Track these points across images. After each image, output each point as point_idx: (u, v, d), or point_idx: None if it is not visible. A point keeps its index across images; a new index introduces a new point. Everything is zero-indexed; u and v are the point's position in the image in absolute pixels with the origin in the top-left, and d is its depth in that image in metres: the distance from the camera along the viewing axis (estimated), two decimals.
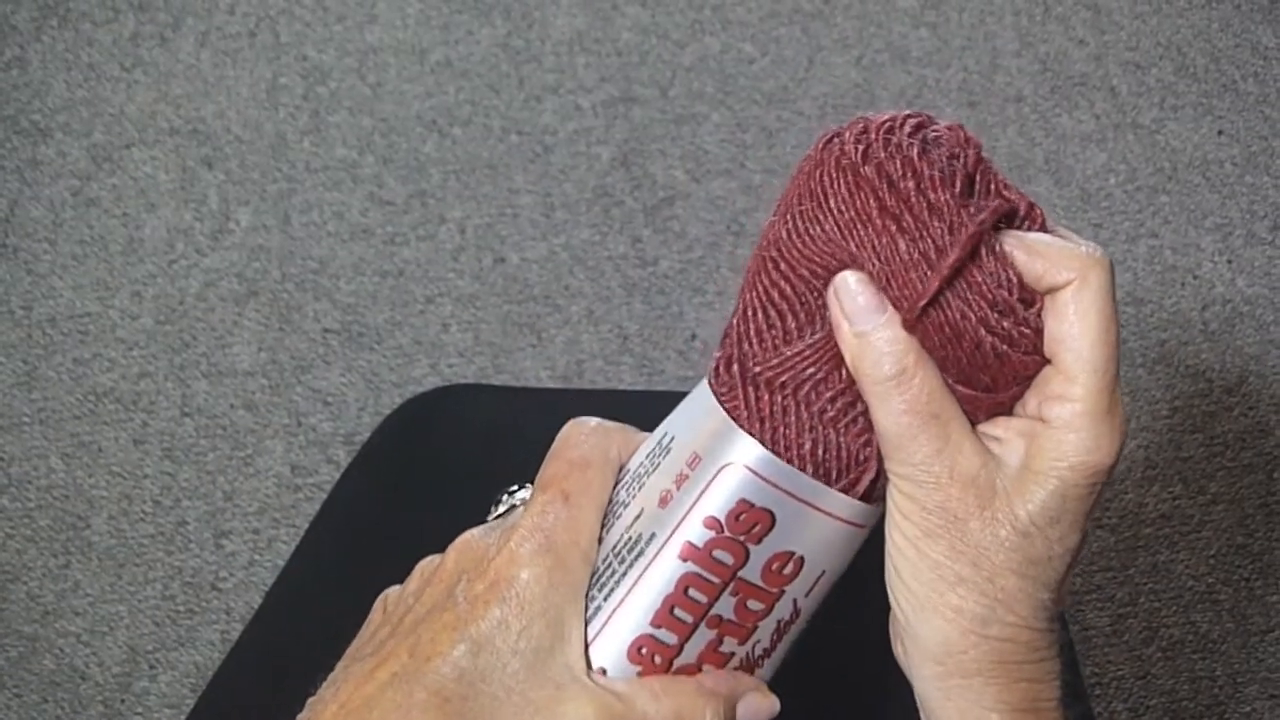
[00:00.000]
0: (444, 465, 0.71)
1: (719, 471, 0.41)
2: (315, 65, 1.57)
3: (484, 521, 0.44)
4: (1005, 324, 0.39)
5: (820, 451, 0.41)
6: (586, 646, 0.41)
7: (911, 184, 0.39)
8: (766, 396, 0.41)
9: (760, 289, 0.42)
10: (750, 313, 0.42)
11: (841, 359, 0.41)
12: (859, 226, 0.39)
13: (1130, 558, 1.26)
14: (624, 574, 0.41)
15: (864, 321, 0.39)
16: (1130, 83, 1.56)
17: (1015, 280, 0.39)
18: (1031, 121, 1.52)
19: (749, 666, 0.42)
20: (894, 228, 0.39)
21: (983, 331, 0.39)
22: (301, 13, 1.61)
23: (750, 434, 0.41)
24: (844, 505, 0.41)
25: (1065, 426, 0.38)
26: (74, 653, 1.21)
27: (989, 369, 0.40)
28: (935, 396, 0.39)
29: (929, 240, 0.38)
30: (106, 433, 1.32)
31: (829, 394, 0.41)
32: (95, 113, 1.53)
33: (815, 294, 0.41)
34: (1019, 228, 0.41)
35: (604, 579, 0.42)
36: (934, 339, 0.39)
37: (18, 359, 1.36)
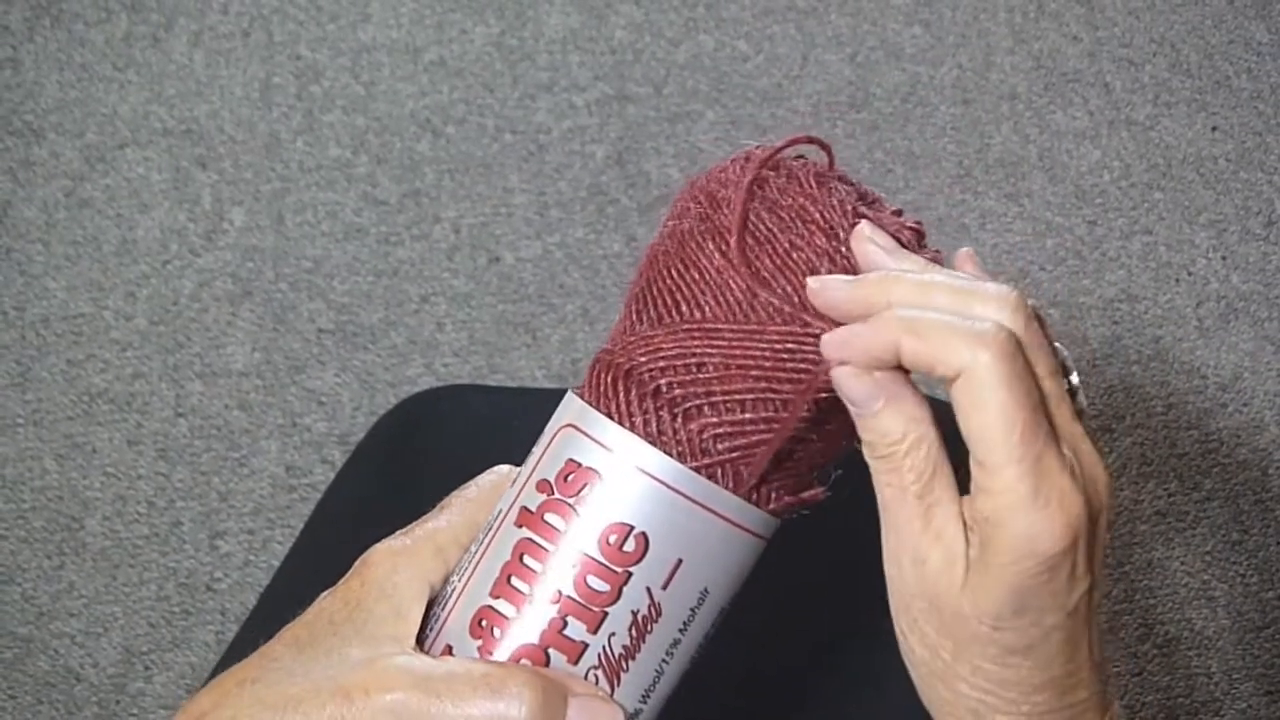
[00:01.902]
0: (438, 466, 0.71)
1: (554, 436, 0.42)
2: (309, 65, 1.56)
3: None
4: (818, 242, 0.40)
5: (649, 416, 0.40)
6: (426, 626, 0.42)
7: (729, 178, 0.42)
8: (602, 371, 0.42)
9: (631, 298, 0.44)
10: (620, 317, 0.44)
11: (684, 352, 0.41)
12: (688, 216, 0.42)
13: (1126, 554, 1.26)
14: (475, 552, 0.42)
15: (867, 406, 0.39)
16: (1124, 79, 1.56)
17: (835, 205, 0.41)
18: (1025, 118, 1.52)
19: (612, 668, 0.41)
20: (707, 201, 0.42)
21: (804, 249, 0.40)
22: (295, 12, 1.61)
23: (579, 396, 0.42)
24: (673, 471, 0.40)
25: (997, 522, 0.37)
26: (69, 654, 1.21)
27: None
28: (933, 470, 0.39)
29: (733, 197, 0.41)
30: (100, 434, 1.32)
31: (665, 378, 0.41)
32: (88, 113, 1.53)
33: (666, 294, 0.42)
34: (863, 203, 0.43)
35: (463, 563, 0.43)
36: (773, 272, 0.40)
37: (11, 360, 1.36)
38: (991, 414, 0.36)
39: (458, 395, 0.82)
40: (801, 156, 0.43)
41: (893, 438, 0.38)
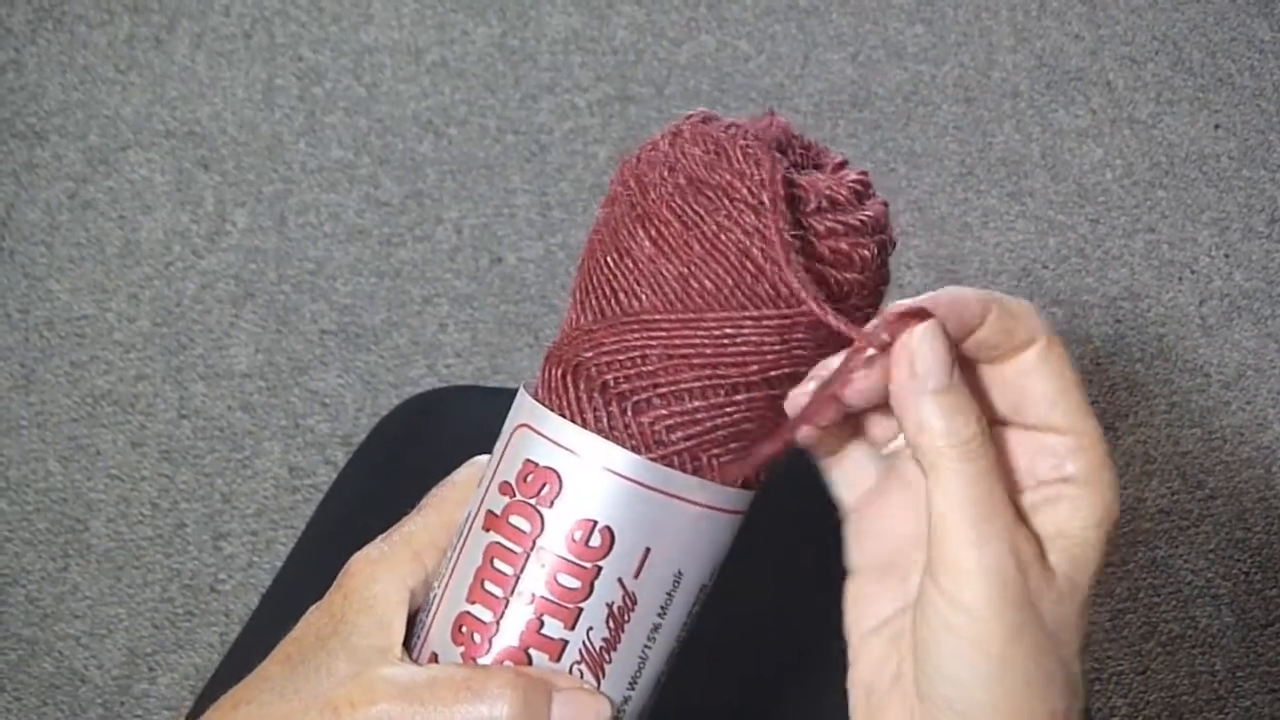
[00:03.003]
0: (441, 467, 0.71)
1: (511, 436, 0.42)
2: (311, 66, 1.56)
3: None
4: (748, 220, 0.39)
5: (599, 411, 0.40)
6: (413, 633, 0.42)
7: (656, 158, 0.41)
8: (552, 368, 0.42)
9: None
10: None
11: (626, 346, 0.40)
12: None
13: (1129, 553, 1.26)
14: (451, 557, 0.42)
15: (939, 378, 0.36)
16: (1126, 77, 1.56)
17: (764, 179, 0.39)
18: (1028, 117, 1.52)
19: (594, 661, 0.41)
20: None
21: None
22: (297, 13, 1.61)
23: (530, 394, 0.42)
24: (629, 464, 0.39)
25: (1090, 480, 0.37)
26: (73, 655, 1.21)
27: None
28: (995, 471, 0.37)
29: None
30: (104, 435, 1.32)
31: (611, 372, 0.40)
32: (91, 115, 1.53)
33: (605, 285, 0.41)
34: (818, 168, 0.41)
35: (442, 568, 0.43)
36: (704, 256, 0.39)
37: (15, 362, 1.36)
38: (1071, 378, 0.38)
39: (460, 396, 0.82)
40: (735, 124, 0.41)
41: (974, 417, 0.37)
